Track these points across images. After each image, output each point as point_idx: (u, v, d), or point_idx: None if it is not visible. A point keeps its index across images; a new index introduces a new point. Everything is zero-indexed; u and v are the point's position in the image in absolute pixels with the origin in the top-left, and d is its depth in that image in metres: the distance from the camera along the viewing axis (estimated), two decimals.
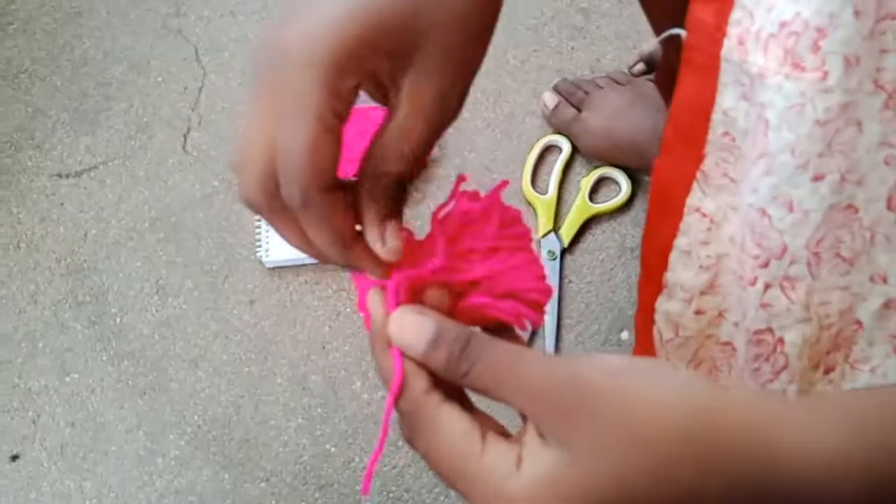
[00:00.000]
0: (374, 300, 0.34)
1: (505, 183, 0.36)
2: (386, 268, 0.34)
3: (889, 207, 0.39)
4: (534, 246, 0.36)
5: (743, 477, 0.28)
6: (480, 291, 0.34)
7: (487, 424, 0.31)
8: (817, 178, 0.38)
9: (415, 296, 0.34)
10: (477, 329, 0.33)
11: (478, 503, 0.29)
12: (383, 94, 0.33)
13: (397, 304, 0.33)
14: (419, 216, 0.97)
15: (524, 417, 0.31)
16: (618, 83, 1.02)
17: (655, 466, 0.27)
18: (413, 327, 0.32)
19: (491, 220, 0.35)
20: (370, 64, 0.31)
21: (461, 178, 0.36)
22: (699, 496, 0.27)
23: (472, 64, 0.33)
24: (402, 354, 0.32)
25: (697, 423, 0.28)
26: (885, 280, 0.40)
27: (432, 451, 0.31)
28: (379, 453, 0.32)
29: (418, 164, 0.33)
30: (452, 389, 0.32)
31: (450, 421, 0.30)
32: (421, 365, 0.32)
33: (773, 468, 0.28)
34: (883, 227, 0.39)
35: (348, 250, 0.33)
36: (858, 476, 0.28)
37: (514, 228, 0.36)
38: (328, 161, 0.31)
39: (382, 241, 0.33)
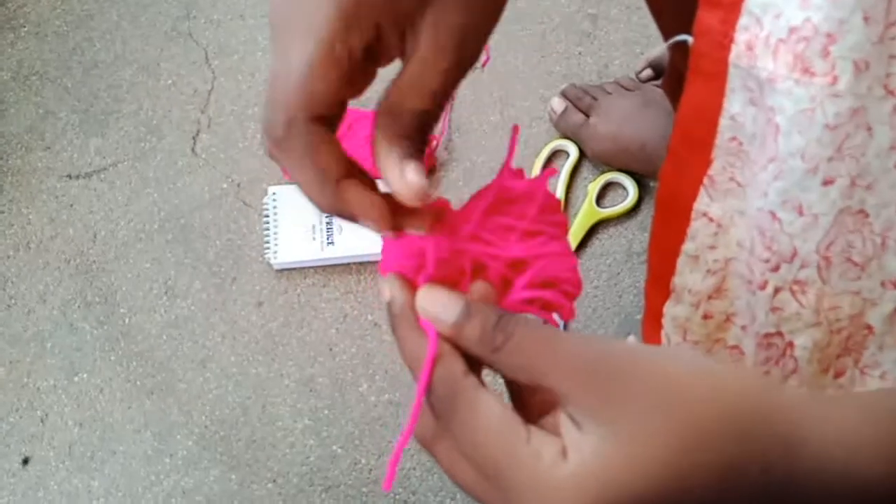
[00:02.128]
0: (393, 281, 0.32)
1: (553, 171, 0.36)
2: (389, 220, 0.31)
3: None
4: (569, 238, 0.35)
5: (782, 457, 0.27)
6: (521, 280, 0.33)
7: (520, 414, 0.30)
8: (827, 183, 0.38)
9: (448, 276, 0.32)
10: None
11: (522, 489, 0.27)
12: (402, 44, 0.31)
13: (429, 276, 0.31)
14: None
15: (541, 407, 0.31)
16: (626, 89, 1.03)
17: (700, 444, 0.27)
18: (443, 299, 0.30)
19: (534, 202, 0.33)
20: (389, 4, 0.29)
21: (516, 129, 0.34)
22: (740, 475, 0.27)
23: (494, 3, 0.31)
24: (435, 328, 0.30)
25: (737, 404, 0.27)
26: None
27: (471, 435, 0.28)
28: (408, 436, 0.30)
29: (439, 104, 0.31)
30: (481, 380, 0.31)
31: (491, 404, 0.28)
32: (454, 346, 0.30)
33: (804, 451, 0.28)
34: (894, 233, 0.39)
35: (336, 191, 0.30)
36: (880, 466, 0.28)
37: (553, 216, 0.34)
38: (323, 91, 0.29)
39: (402, 177, 0.30)
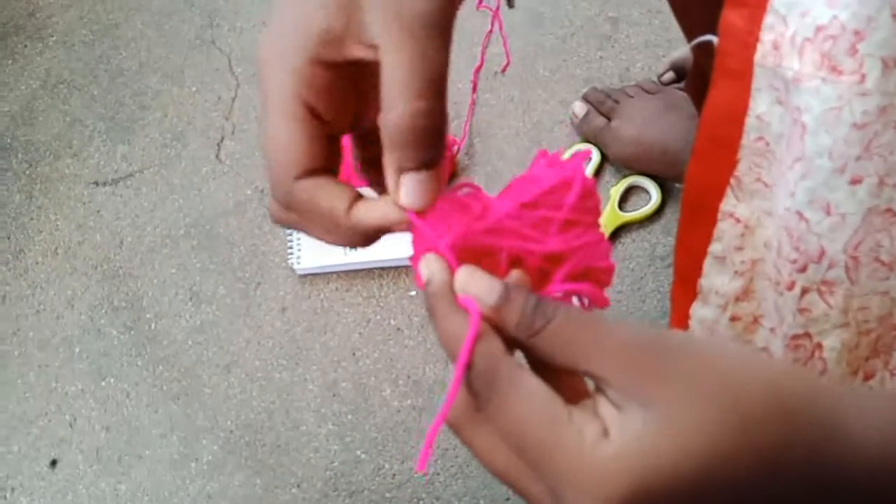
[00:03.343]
0: (432, 261, 0.31)
1: (588, 153, 0.35)
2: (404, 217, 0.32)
3: None
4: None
5: (822, 440, 0.27)
6: (559, 272, 0.33)
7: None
8: (854, 182, 0.38)
9: (484, 264, 0.32)
10: None
11: (564, 468, 0.27)
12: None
13: (458, 259, 0.31)
14: None
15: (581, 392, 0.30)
16: (648, 92, 1.02)
17: (744, 427, 0.26)
18: (484, 281, 0.30)
19: (571, 190, 0.33)
20: (331, 49, 0.31)
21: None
22: (786, 458, 0.27)
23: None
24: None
25: (780, 389, 0.27)
26: None
27: (512, 415, 0.28)
28: (446, 413, 0.29)
29: (426, 103, 0.30)
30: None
31: (533, 383, 0.28)
32: (492, 327, 0.29)
33: (844, 438, 0.28)
34: None
35: (350, 225, 0.31)
36: None
37: (590, 201, 0.33)
38: (297, 152, 0.31)
39: (397, 189, 0.31)
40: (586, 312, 0.29)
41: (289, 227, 0.34)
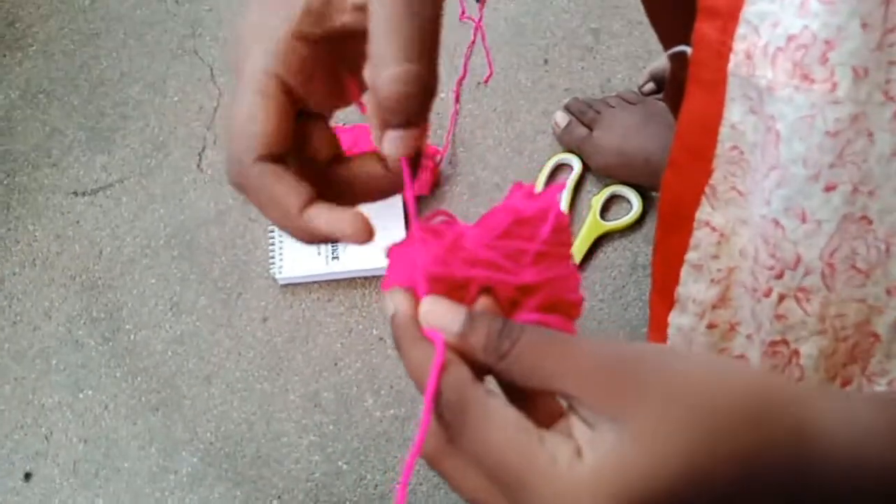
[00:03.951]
0: (397, 293, 0.32)
1: (562, 186, 0.36)
2: (365, 232, 0.32)
3: None
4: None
5: (794, 445, 0.27)
6: (529, 303, 0.33)
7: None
8: (829, 189, 0.38)
9: (453, 296, 0.32)
10: None
11: (539, 493, 0.27)
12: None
13: (428, 288, 0.31)
14: None
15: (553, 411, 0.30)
16: (629, 102, 1.03)
17: (719, 438, 0.26)
18: (446, 310, 0.30)
19: (546, 223, 0.33)
20: (315, 21, 0.31)
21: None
22: (759, 464, 0.27)
23: None
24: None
25: (753, 396, 0.27)
26: None
27: (484, 444, 0.28)
28: (419, 449, 0.29)
29: (417, 63, 0.30)
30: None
31: (503, 411, 0.28)
32: (459, 355, 0.29)
33: (817, 442, 0.28)
34: None
35: (302, 222, 0.31)
36: (890, 454, 0.28)
37: (562, 235, 0.34)
38: (262, 128, 0.31)
39: (381, 141, 0.31)
40: (552, 333, 0.29)
41: (244, 195, 0.33)
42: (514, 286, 0.33)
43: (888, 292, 0.40)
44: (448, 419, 0.28)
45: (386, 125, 0.31)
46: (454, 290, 0.32)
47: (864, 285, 0.40)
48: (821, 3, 0.36)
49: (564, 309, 0.34)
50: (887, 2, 0.35)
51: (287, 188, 0.31)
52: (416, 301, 0.31)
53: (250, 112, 0.31)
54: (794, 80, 0.38)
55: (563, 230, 0.34)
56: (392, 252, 0.34)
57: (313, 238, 0.32)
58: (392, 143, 0.31)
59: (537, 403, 0.31)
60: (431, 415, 0.29)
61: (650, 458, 0.26)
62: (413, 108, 0.31)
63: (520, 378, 0.29)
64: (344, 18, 0.31)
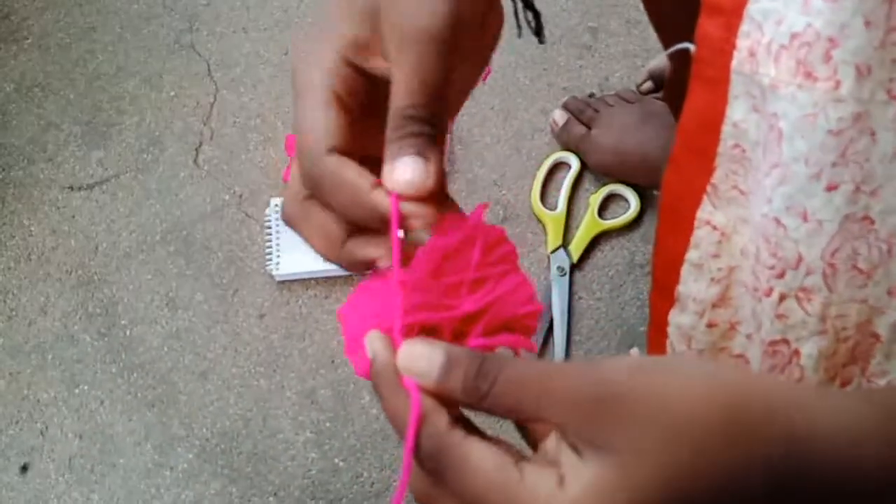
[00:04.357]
0: (375, 340, 0.32)
1: (485, 205, 0.35)
2: (372, 264, 0.35)
3: None
4: (519, 262, 0.35)
5: (784, 456, 0.27)
6: (476, 330, 0.33)
7: (511, 452, 0.30)
8: (831, 188, 0.38)
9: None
10: None
11: None
12: None
13: (404, 334, 0.32)
14: None
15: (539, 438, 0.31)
16: (627, 101, 1.03)
17: (697, 456, 0.27)
18: (424, 354, 0.30)
19: (474, 247, 0.33)
20: (360, 55, 0.34)
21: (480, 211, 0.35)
22: (744, 480, 0.27)
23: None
24: (418, 386, 0.30)
25: (732, 408, 0.27)
26: None
27: (467, 488, 0.28)
28: (401, 497, 0.29)
29: (427, 101, 0.32)
30: (468, 425, 0.31)
31: (480, 453, 0.28)
32: (437, 399, 0.30)
33: (811, 445, 0.28)
34: None
35: (368, 203, 0.33)
36: (888, 451, 0.28)
37: (498, 249, 0.34)
38: (330, 126, 0.33)
39: (390, 176, 0.32)
40: (533, 365, 0.29)
41: (294, 228, 0.35)
42: (457, 320, 0.33)
43: (889, 293, 0.40)
44: (428, 468, 0.29)
45: (392, 157, 0.32)
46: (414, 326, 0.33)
47: (866, 286, 0.40)
48: (824, 1, 0.36)
49: (520, 323, 0.34)
50: (890, 0, 0.35)
51: (357, 171, 0.33)
52: (393, 347, 0.32)
53: (315, 116, 0.33)
54: (798, 79, 0.37)
55: (497, 246, 0.34)
56: (343, 319, 0.35)
57: (380, 221, 0.33)
58: (392, 172, 0.32)
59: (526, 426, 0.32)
60: (411, 466, 0.29)
61: (630, 485, 0.26)
62: (414, 137, 0.32)
63: (503, 414, 0.29)
64: (380, 65, 0.34)
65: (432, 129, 0.32)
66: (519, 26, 0.47)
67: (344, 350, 0.34)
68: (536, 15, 0.46)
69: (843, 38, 0.36)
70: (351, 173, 0.33)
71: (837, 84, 0.37)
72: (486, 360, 0.30)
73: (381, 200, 0.32)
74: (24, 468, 0.94)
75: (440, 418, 0.29)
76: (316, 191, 0.34)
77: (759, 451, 0.27)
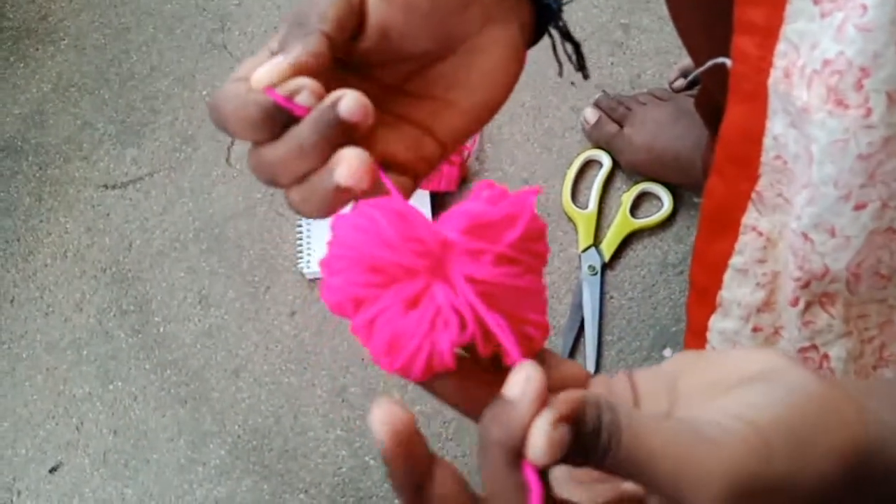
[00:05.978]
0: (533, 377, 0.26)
1: (537, 189, 0.30)
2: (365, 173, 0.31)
3: None
4: (545, 269, 0.30)
5: (864, 449, 0.26)
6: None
7: None
8: (859, 207, 0.38)
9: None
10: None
11: None
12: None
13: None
14: None
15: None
16: (659, 99, 1.02)
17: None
18: (549, 439, 0.25)
19: (515, 226, 0.28)
20: None
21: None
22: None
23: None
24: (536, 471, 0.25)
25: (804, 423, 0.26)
26: None
27: None
28: None
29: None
30: None
31: None
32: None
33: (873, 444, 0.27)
34: None
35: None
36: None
37: (535, 245, 0.29)
38: (342, 15, 0.31)
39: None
40: (648, 417, 0.26)
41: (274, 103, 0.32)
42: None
43: None
44: None
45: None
46: (400, 277, 0.29)
47: (886, 287, 0.40)
48: (858, 30, 0.35)
49: (522, 328, 0.29)
50: None
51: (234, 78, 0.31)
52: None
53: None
54: (828, 105, 0.37)
55: (537, 239, 0.29)
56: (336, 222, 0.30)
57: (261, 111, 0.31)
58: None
59: None
60: None
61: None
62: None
63: (624, 476, 0.26)
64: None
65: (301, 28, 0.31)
66: (559, 62, 0.43)
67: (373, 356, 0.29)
68: (577, 47, 0.42)
69: (875, 67, 0.36)
70: (230, 84, 0.31)
71: (868, 112, 0.36)
72: (610, 418, 0.25)
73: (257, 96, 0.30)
74: (59, 465, 0.96)
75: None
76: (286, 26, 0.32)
77: (836, 460, 0.26)
